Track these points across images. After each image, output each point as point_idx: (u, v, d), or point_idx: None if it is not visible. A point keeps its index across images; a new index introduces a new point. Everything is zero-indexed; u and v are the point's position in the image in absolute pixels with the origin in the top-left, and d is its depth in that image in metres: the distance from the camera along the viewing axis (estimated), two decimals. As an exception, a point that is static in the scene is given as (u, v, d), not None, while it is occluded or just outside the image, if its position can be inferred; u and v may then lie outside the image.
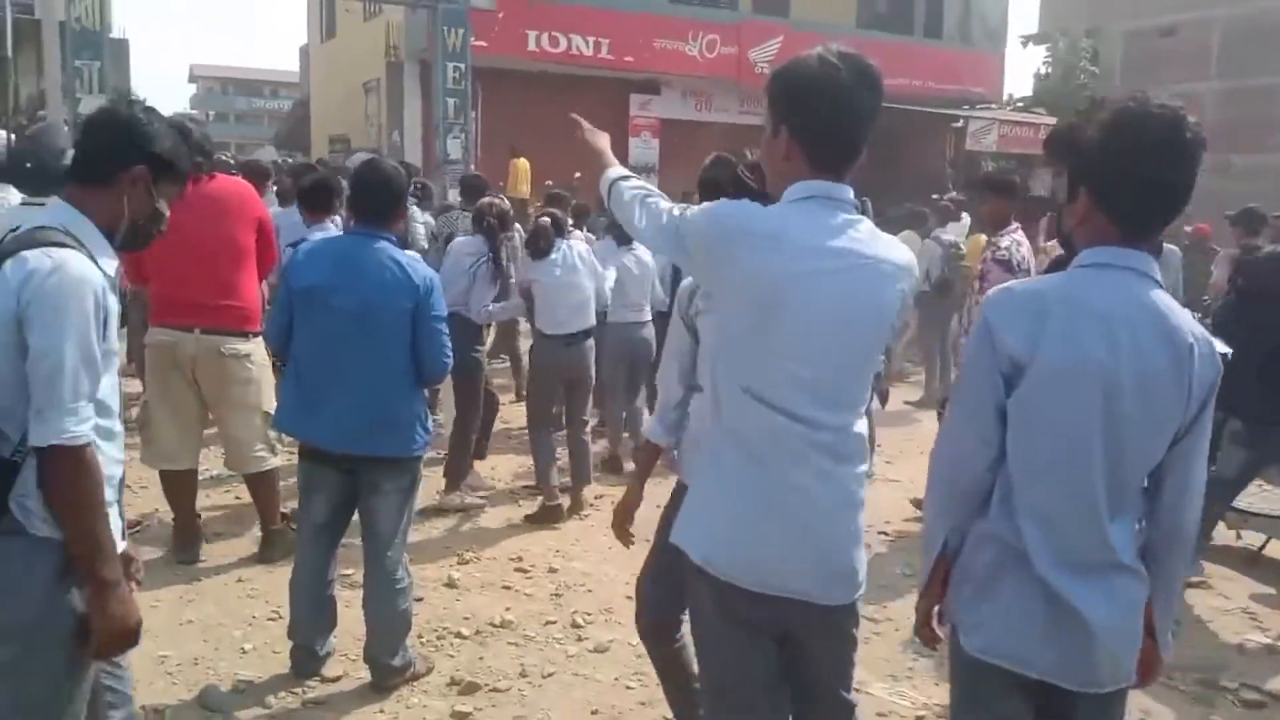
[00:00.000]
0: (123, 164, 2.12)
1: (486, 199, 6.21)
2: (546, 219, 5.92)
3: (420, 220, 8.19)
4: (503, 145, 15.87)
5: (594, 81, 18.62)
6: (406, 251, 3.71)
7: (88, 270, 1.99)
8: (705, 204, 2.12)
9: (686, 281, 2.88)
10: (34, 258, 1.95)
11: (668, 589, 2.81)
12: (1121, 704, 2.04)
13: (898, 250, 2.08)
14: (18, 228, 2.03)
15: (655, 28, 19.00)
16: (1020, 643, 1.93)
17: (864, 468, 2.09)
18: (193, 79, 71.91)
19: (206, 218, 4.42)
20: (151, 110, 2.22)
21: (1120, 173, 1.85)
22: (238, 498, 5.53)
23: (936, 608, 2.11)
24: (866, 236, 2.01)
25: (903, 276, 2.05)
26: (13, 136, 5.99)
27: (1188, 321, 1.88)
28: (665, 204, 2.16)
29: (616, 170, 2.31)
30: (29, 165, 4.63)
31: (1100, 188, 1.89)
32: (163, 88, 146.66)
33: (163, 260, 4.44)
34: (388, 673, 3.63)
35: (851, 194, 2.03)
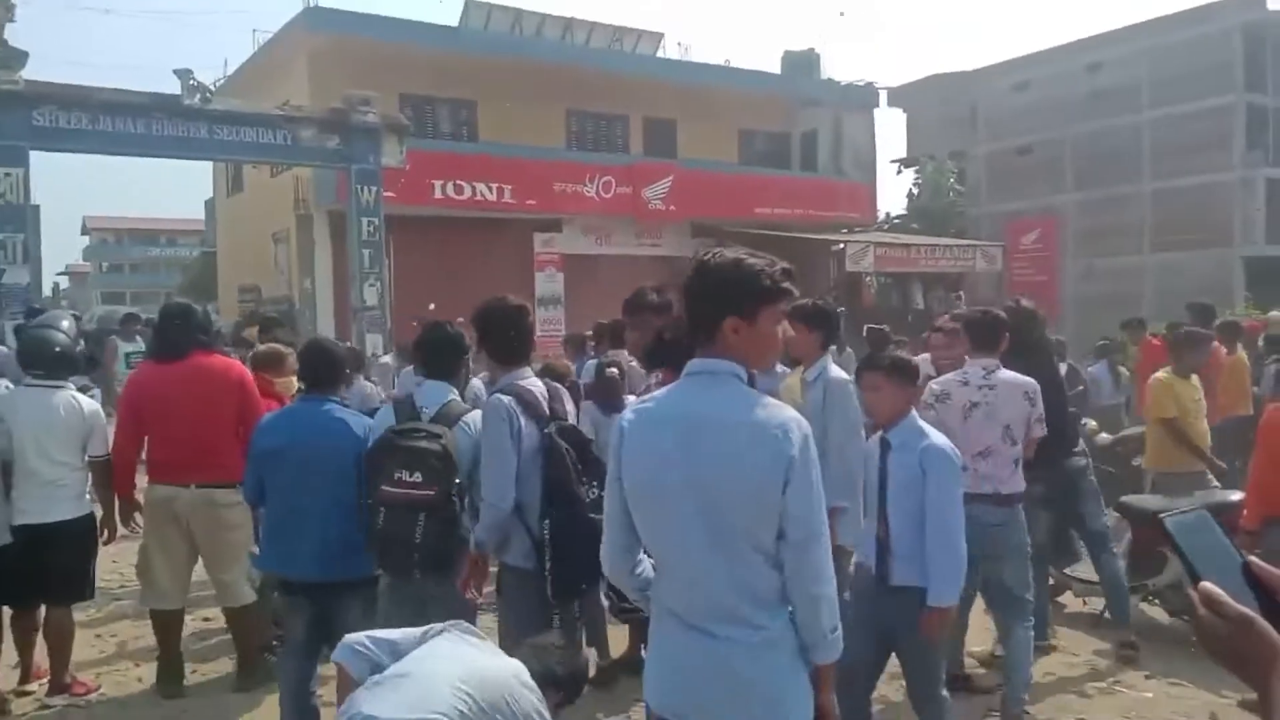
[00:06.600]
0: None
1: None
2: (616, 370, 5.73)
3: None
4: (416, 288, 16.46)
5: (499, 223, 19.65)
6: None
7: None
8: None
9: None
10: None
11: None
12: None
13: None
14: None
15: (554, 172, 20.30)
16: None
17: None
18: (85, 231, 71.29)
19: (196, 388, 5.08)
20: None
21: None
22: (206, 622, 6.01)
23: None
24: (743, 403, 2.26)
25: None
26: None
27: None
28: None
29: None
30: (86, 355, 5.52)
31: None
32: (54, 240, 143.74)
33: (159, 426, 5.11)
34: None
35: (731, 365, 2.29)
